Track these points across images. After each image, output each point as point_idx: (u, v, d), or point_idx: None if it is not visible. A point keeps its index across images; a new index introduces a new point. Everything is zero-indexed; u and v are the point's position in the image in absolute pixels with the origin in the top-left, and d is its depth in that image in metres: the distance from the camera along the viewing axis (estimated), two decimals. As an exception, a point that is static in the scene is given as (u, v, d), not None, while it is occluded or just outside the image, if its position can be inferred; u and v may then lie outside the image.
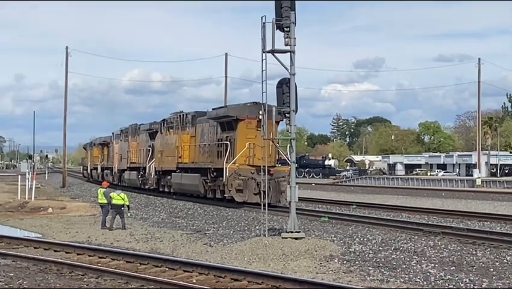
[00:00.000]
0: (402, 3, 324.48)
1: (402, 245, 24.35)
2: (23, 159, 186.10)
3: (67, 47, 78.77)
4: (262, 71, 24.28)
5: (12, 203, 47.47)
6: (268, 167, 30.98)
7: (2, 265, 20.28)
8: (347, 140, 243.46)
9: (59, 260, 20.61)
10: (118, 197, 30.67)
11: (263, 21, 23.78)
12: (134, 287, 16.97)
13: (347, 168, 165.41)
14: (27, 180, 54.59)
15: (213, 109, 47.35)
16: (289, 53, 24.01)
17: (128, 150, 67.84)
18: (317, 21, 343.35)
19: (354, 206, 44.53)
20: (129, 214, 31.82)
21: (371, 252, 22.67)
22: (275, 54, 24.04)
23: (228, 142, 42.26)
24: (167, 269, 19.05)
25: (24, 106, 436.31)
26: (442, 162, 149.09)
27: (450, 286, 17.08)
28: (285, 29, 23.86)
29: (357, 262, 20.64)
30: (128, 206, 31.60)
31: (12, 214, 40.56)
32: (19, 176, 55.37)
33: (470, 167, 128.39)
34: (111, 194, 30.82)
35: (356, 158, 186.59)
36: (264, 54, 24.07)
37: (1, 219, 37.09)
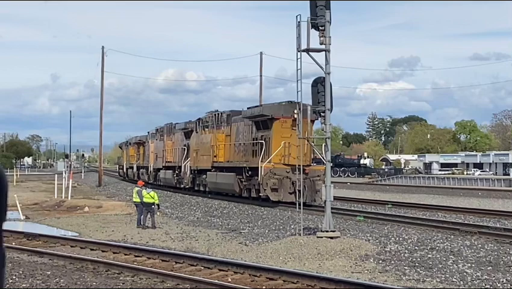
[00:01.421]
0: (437, 3, 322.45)
1: (438, 244, 24.19)
2: (59, 158, 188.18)
3: (103, 47, 79.16)
4: (297, 70, 24.28)
5: (49, 202, 47.87)
6: (303, 166, 30.91)
7: (39, 264, 20.46)
8: (383, 139, 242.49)
9: (96, 259, 20.75)
10: (148, 196, 30.92)
11: (298, 20, 23.78)
12: (169, 286, 17.02)
13: (383, 167, 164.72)
14: (63, 179, 55.02)
15: (248, 108, 47.41)
16: (324, 52, 23.97)
17: (163, 149, 68.15)
18: (351, 21, 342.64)
19: (389, 206, 44.33)
20: (158, 213, 31.95)
21: (407, 252, 22.56)
22: (310, 53, 24.00)
23: (263, 141, 42.26)
24: (202, 268, 19.09)
25: (60, 106, 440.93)
26: (478, 162, 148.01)
27: (487, 287, 16.94)
28: (320, 28, 23.82)
29: (393, 262, 20.55)
30: (158, 204, 31.74)
31: (49, 212, 40.89)
32: (56, 175, 55.91)
33: (507, 166, 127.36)
34: (142, 192, 31.10)
35: (392, 157, 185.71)
36: (299, 53, 24.05)
37: (38, 218, 37.42)
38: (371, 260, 20.93)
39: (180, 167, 60.01)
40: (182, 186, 59.44)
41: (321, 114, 24.22)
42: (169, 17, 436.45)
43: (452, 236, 26.55)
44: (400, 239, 25.66)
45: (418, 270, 19.14)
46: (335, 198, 33.12)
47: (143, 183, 34.44)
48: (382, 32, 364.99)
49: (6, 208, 3.03)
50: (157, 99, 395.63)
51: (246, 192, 45.13)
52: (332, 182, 24.76)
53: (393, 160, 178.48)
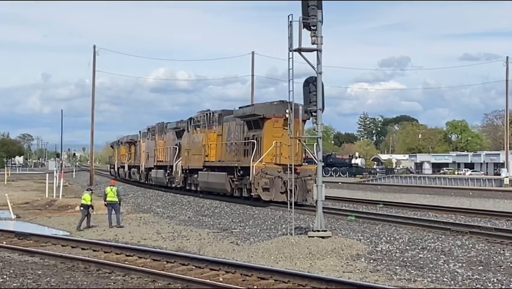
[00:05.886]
0: (428, 3, 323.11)
1: (429, 244, 24.24)
2: (51, 157, 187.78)
3: (94, 46, 79.16)
4: (289, 69, 24.28)
5: (40, 201, 47.81)
6: (295, 165, 30.90)
7: (30, 263, 20.44)
8: (374, 139, 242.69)
9: (87, 258, 20.73)
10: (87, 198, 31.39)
11: (290, 20, 23.78)
12: (160, 285, 17.03)
13: (374, 166, 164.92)
14: (55, 178, 54.95)
15: (240, 107, 47.32)
16: (316, 52, 23.98)
17: (154, 148, 68.04)
18: (342, 21, 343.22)
19: (381, 205, 44.35)
20: (93, 213, 32.36)
21: (398, 251, 22.60)
22: (302, 53, 24.01)
23: (255, 140, 42.23)
24: (193, 267, 19.09)
25: (52, 105, 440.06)
26: (469, 161, 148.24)
27: (477, 286, 16.99)
28: (312, 27, 23.84)
29: (384, 261, 20.58)
30: (92, 206, 31.82)
31: (40, 211, 40.83)
32: (47, 174, 55.73)
33: (497, 166, 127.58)
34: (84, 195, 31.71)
35: (383, 156, 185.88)
36: (290, 53, 24.06)
37: (29, 217, 37.35)
38: (362, 260, 20.96)
39: (171, 167, 59.95)
40: (173, 185, 59.38)
41: (313, 113, 24.24)
42: (160, 16, 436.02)
43: (443, 236, 26.59)
44: (392, 239, 25.69)
45: (410, 269, 19.18)
46: (327, 198, 33.02)
47: (115, 181, 35.09)
48: (373, 32, 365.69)
49: None
50: (148, 98, 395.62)
51: (237, 191, 45.10)
52: (323, 182, 24.76)
53: (384, 160, 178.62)
